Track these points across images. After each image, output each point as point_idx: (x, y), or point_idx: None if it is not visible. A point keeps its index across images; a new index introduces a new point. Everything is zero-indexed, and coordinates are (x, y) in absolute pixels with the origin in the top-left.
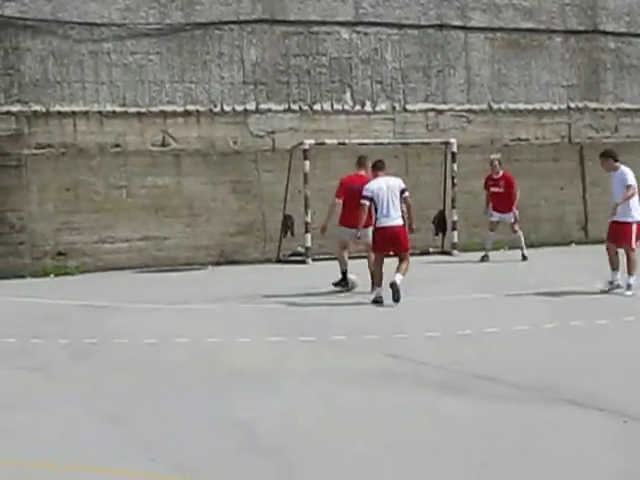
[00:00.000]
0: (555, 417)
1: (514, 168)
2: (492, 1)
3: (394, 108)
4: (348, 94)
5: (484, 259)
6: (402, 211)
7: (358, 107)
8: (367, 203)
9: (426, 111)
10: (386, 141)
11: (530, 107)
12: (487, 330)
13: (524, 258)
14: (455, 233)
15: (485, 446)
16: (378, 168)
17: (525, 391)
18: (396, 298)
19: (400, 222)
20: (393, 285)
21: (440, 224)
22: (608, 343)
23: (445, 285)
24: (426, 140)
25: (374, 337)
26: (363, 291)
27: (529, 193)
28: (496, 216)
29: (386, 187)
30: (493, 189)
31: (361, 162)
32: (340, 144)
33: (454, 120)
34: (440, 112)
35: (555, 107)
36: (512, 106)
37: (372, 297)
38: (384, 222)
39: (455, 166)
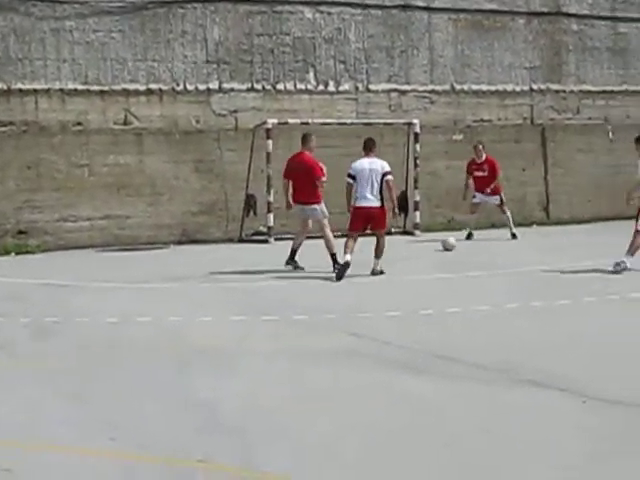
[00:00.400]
0: (517, 397)
1: None
2: None
3: (357, 88)
4: (311, 74)
5: (469, 237)
6: (382, 194)
7: (321, 87)
8: (351, 181)
9: (389, 91)
10: (349, 121)
11: (493, 88)
12: (449, 310)
13: (514, 236)
14: (417, 213)
15: (447, 426)
16: (368, 148)
17: (487, 371)
18: (340, 276)
19: (377, 204)
20: (346, 264)
21: (402, 204)
22: (568, 323)
23: (407, 265)
24: (389, 120)
25: (336, 316)
26: (325, 270)
27: None
28: (479, 197)
29: (369, 169)
30: (477, 173)
31: (304, 140)
32: (303, 124)
33: (417, 101)
34: (403, 93)
35: (518, 88)
36: (475, 87)
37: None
38: (360, 202)
39: (418, 147)
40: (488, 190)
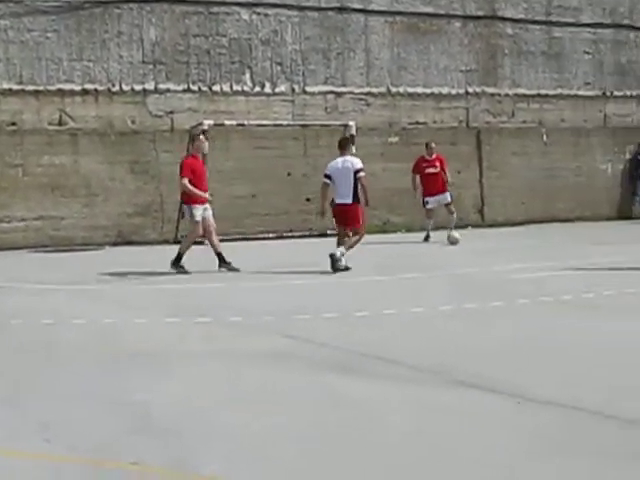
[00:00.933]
0: (451, 399)
1: (412, 152)
2: None
3: (293, 90)
4: (247, 75)
5: (427, 239)
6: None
7: (257, 88)
8: (327, 181)
9: (325, 93)
10: (285, 123)
11: (428, 91)
12: (385, 312)
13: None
14: None
15: (382, 427)
16: (342, 147)
17: (421, 373)
18: (333, 268)
19: (350, 201)
20: (331, 256)
21: None
22: (502, 325)
23: None
24: (325, 122)
25: (271, 318)
26: (262, 271)
27: None
28: (432, 202)
29: (342, 167)
30: (428, 170)
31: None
32: (239, 125)
33: (353, 103)
34: (339, 95)
35: (453, 92)
36: (411, 90)
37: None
38: (338, 200)
39: (354, 149)
40: (440, 187)
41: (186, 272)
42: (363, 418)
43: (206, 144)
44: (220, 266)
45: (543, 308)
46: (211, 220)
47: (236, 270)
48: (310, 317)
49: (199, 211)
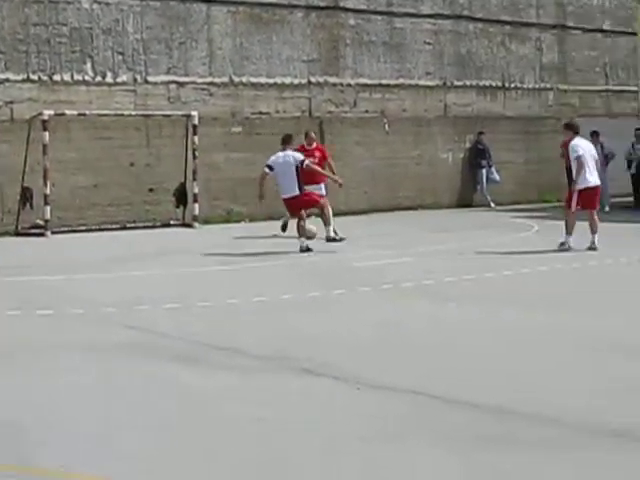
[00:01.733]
0: (293, 386)
1: (255, 141)
2: None
3: (135, 80)
4: (89, 65)
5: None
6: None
7: (99, 78)
8: (267, 171)
9: (168, 83)
10: (127, 113)
11: (271, 81)
12: (228, 301)
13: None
14: (196, 205)
15: (224, 416)
16: (284, 142)
17: (264, 361)
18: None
19: (297, 192)
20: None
21: (181, 196)
22: (344, 313)
23: (187, 257)
24: (167, 112)
25: (114, 310)
26: (103, 262)
27: None
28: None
29: (283, 161)
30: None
31: None
32: (80, 115)
33: (196, 93)
34: (182, 84)
35: (296, 81)
36: (253, 80)
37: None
38: (284, 194)
39: (196, 139)
40: (316, 178)
41: None
42: (204, 407)
43: (46, 134)
44: None
45: (384, 295)
46: None
47: None
48: (152, 308)
49: None
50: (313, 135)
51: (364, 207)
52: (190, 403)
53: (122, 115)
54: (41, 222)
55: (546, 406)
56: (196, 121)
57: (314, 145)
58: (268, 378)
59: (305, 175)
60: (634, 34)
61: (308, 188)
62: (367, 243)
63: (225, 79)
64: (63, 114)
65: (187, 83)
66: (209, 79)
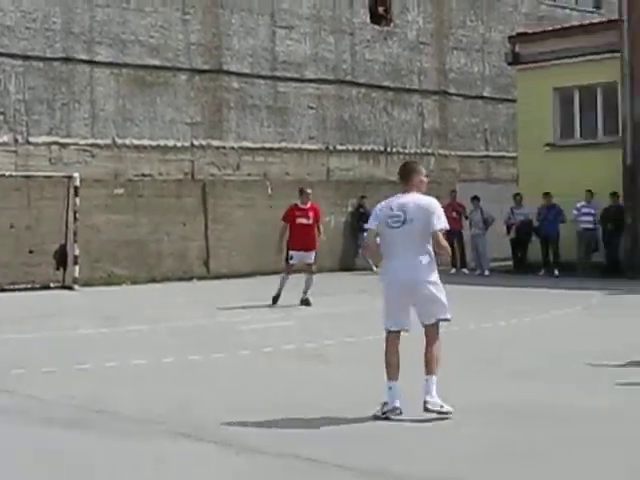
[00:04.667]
0: (169, 450)
1: (137, 203)
2: (118, 37)
3: (17, 140)
4: None
5: (275, 300)
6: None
7: None
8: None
9: (50, 144)
10: (7, 173)
11: (154, 143)
12: (107, 364)
13: (306, 303)
14: (77, 267)
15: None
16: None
17: (142, 425)
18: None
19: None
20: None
21: (61, 258)
22: (222, 377)
23: (64, 320)
24: (49, 173)
25: None
26: None
27: (152, 228)
28: (296, 258)
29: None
30: (300, 220)
31: None
32: None
33: (78, 154)
34: (64, 145)
35: (179, 144)
36: (136, 142)
37: None
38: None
39: (78, 200)
40: (309, 243)
41: None
42: (76, 471)
43: None
44: None
45: (264, 358)
46: None
47: None
48: (28, 371)
49: None
50: (309, 191)
51: (248, 270)
52: (62, 468)
53: (3, 176)
54: None
55: None
56: (77, 182)
57: (309, 205)
58: (144, 442)
59: (300, 240)
60: (513, 101)
61: (300, 254)
62: (250, 306)
63: (108, 141)
64: None
65: (69, 144)
66: (91, 140)
